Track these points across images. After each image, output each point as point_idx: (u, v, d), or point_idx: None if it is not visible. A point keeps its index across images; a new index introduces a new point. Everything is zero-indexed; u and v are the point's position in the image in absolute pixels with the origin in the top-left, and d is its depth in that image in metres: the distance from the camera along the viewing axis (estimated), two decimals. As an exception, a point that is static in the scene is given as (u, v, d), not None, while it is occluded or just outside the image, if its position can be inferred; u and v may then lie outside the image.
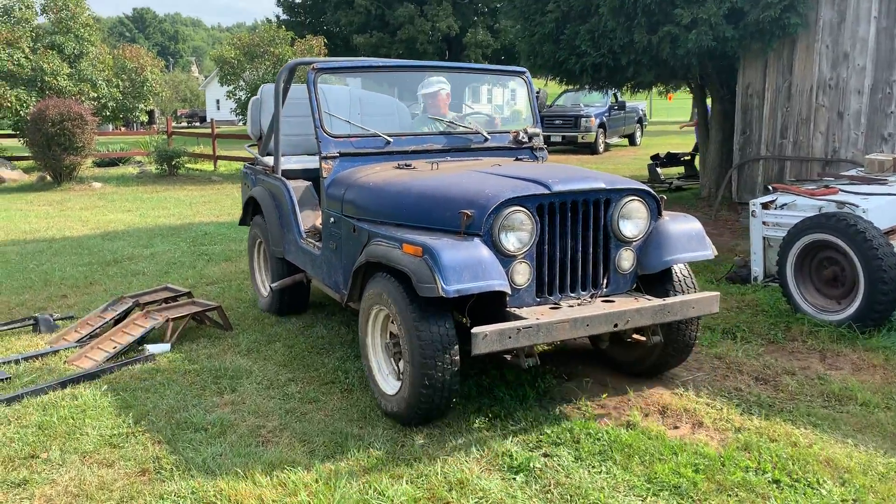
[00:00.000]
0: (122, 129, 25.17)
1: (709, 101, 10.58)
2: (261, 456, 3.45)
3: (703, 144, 10.48)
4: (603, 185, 3.75)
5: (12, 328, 5.42)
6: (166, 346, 4.95)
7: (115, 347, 4.82)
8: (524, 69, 5.40)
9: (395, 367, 3.83)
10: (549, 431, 3.66)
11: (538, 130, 5.08)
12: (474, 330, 3.22)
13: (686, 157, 12.84)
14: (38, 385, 4.30)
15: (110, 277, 7.19)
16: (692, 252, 3.93)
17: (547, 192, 3.61)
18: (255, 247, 5.95)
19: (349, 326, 5.37)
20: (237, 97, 16.55)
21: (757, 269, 6.09)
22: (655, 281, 4.02)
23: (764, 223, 5.94)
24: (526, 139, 5.01)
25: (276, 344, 5.06)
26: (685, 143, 18.48)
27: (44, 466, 3.41)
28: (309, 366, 4.64)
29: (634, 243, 3.88)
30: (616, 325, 3.55)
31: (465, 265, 3.33)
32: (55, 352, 4.90)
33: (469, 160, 4.75)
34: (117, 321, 5.31)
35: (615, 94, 25.61)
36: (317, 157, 4.64)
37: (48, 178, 14.90)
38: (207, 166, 17.79)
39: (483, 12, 34.58)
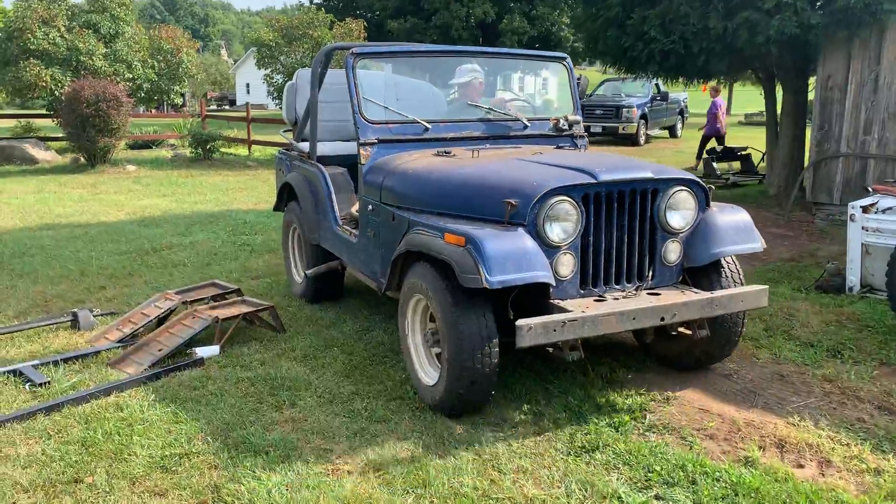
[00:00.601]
0: (153, 111, 24.94)
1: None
2: (332, 489, 3.03)
3: (771, 140, 9.87)
4: (650, 175, 3.65)
5: (50, 324, 5.05)
6: (215, 349, 4.55)
7: (161, 350, 4.43)
8: (565, 55, 5.23)
9: (434, 358, 3.76)
10: (658, 468, 3.19)
11: (579, 118, 4.94)
12: (518, 322, 3.12)
13: (744, 152, 12.23)
14: (80, 392, 3.91)
15: (150, 268, 6.82)
16: (741, 244, 3.83)
17: (593, 181, 3.50)
18: (290, 233, 5.77)
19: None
20: (274, 81, 16.09)
21: (853, 279, 5.55)
22: (702, 273, 3.89)
23: (864, 228, 5.40)
24: (566, 126, 4.88)
25: (333, 350, 4.64)
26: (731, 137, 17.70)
27: (89, 493, 3.02)
28: (373, 377, 4.21)
29: (681, 235, 3.78)
30: (663, 319, 3.44)
31: (509, 256, 3.24)
32: (96, 353, 4.51)
33: (509, 148, 4.62)
34: (161, 320, 4.91)
35: (657, 84, 24.98)
36: (353, 143, 4.64)
37: (82, 159, 14.62)
38: (242, 151, 17.44)
39: (520, -2, 33.83)
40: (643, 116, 21.34)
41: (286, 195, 5.66)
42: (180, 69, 17.28)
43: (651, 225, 3.69)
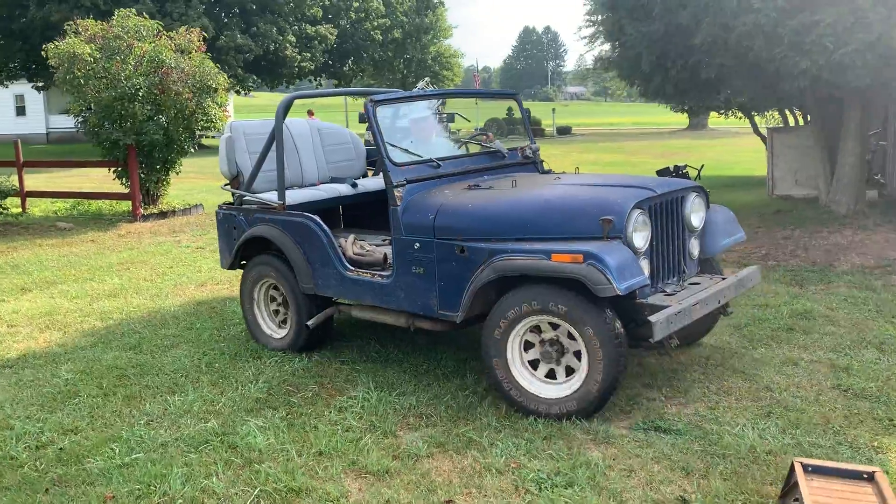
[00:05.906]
0: None
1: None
2: None
3: (822, 158, 9.49)
4: (681, 186, 4.40)
5: None
6: None
7: None
8: (516, 91, 6.02)
9: (535, 372, 4.08)
10: None
11: (537, 147, 5.57)
12: (653, 318, 3.69)
13: (684, 171, 11.94)
14: None
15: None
16: (735, 235, 4.74)
17: (654, 194, 4.14)
18: (257, 288, 5.60)
19: None
20: (81, 109, 11.28)
21: None
22: (703, 263, 4.68)
23: None
24: (531, 154, 5.47)
25: None
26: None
27: None
28: None
29: (697, 232, 4.53)
30: (719, 301, 4.20)
31: (625, 265, 3.71)
32: None
33: (509, 177, 4.99)
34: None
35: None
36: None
37: None
38: (11, 206, 12.46)
39: (235, 13, 30.63)
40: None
41: (242, 251, 5.59)
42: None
43: (681, 226, 4.39)
